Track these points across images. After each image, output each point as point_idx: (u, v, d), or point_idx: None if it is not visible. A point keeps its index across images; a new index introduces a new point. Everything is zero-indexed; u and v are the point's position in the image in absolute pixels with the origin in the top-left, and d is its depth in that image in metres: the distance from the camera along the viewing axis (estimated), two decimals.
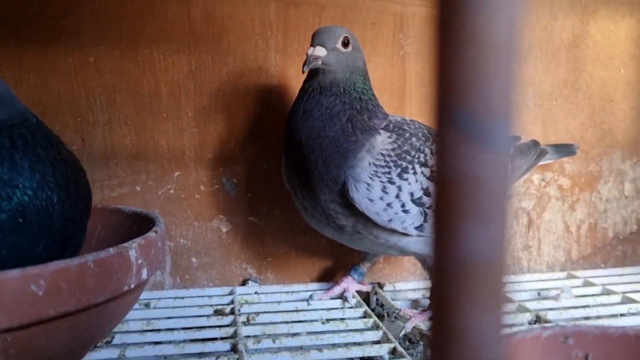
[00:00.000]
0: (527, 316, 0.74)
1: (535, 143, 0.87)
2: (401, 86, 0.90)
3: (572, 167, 0.97)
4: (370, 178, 0.67)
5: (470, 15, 0.16)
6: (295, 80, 0.85)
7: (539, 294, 0.85)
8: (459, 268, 0.14)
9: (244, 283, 0.86)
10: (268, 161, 0.85)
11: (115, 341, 0.65)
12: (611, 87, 0.98)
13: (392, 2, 0.88)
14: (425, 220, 0.69)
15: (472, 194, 0.15)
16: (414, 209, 0.69)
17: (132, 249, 0.52)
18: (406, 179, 0.68)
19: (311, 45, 0.68)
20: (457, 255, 0.14)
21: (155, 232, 0.58)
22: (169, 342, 0.67)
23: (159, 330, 0.69)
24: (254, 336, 0.67)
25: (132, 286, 0.52)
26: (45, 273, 0.44)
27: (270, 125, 0.85)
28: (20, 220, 0.49)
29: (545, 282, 0.90)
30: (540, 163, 0.87)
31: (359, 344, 0.66)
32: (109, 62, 0.80)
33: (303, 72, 0.67)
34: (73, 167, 0.56)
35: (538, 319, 0.73)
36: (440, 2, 0.16)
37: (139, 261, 0.53)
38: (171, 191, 0.83)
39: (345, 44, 0.69)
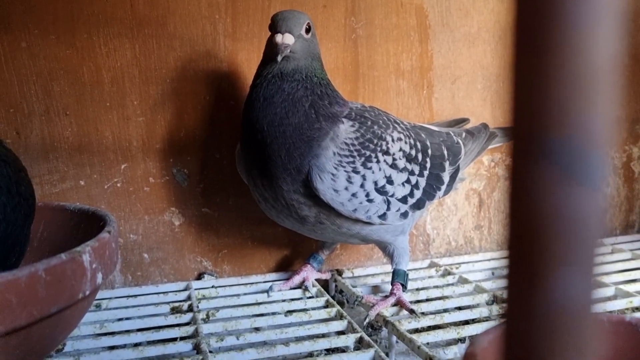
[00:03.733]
0: (485, 297, 0.75)
1: (485, 126, 0.88)
2: (354, 70, 0.88)
3: None
4: (335, 168, 0.65)
5: (568, 34, 0.14)
6: (246, 65, 0.82)
7: (493, 274, 0.87)
8: (555, 317, 0.13)
9: (199, 277, 0.83)
10: (220, 150, 0.82)
11: (67, 348, 0.61)
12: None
13: None
14: (388, 209, 0.69)
15: (568, 235, 0.13)
16: (378, 198, 0.68)
17: (86, 253, 0.48)
18: (370, 168, 0.67)
19: (277, 32, 0.65)
20: (551, 303, 0.13)
21: (109, 232, 0.54)
22: (126, 346, 0.63)
23: (113, 333, 0.65)
24: (216, 334, 0.65)
25: (87, 292, 0.49)
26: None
27: (221, 112, 0.82)
28: None
29: (498, 260, 0.92)
30: (490, 146, 0.89)
31: (324, 335, 0.65)
32: (43, 47, 0.74)
33: (277, 62, 0.64)
34: (13, 166, 0.52)
35: (495, 299, 0.74)
36: (523, 18, 0.14)
37: (93, 265, 0.49)
38: (118, 184, 0.79)
39: (307, 30, 0.67)
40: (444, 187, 0.76)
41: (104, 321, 0.67)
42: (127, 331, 0.66)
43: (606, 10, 0.14)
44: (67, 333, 0.54)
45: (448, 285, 0.81)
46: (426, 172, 0.73)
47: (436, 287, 0.80)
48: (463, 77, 0.94)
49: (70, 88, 0.76)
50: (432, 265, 0.90)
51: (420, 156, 0.73)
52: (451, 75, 0.94)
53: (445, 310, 0.73)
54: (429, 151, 0.74)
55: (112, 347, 0.62)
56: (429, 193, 0.74)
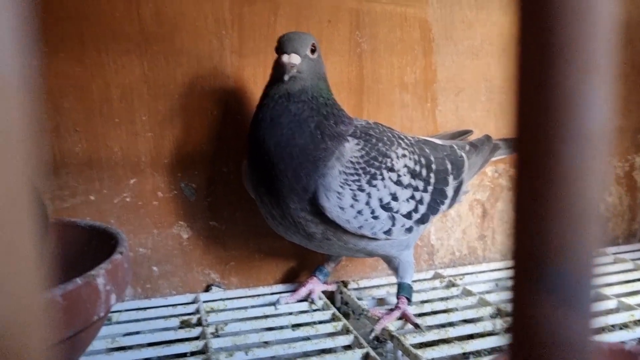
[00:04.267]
0: (489, 310, 0.76)
1: (488, 138, 0.89)
2: (358, 84, 0.89)
3: None
4: (341, 187, 0.66)
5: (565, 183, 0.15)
6: (252, 81, 0.83)
7: (497, 285, 0.88)
8: None
9: (207, 289, 0.84)
10: (227, 164, 0.83)
11: None
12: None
13: None
14: (393, 225, 0.70)
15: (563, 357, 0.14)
16: (383, 215, 0.69)
17: (100, 276, 0.50)
18: (375, 186, 0.69)
19: (284, 52, 0.66)
20: None
21: (121, 253, 0.55)
22: None
23: (125, 348, 0.67)
24: (226, 349, 0.66)
25: (102, 314, 0.50)
26: None
27: (227, 127, 0.83)
28: None
29: (502, 271, 0.93)
30: (494, 158, 0.90)
31: (331, 350, 0.67)
32: (53, 65, 0.75)
33: (285, 81, 0.65)
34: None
35: (499, 312, 0.76)
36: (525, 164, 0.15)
37: (107, 287, 0.51)
38: (127, 199, 0.80)
39: (313, 50, 0.68)
40: (447, 201, 0.77)
41: (116, 335, 0.69)
42: (139, 345, 0.67)
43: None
44: (81, 353, 0.55)
45: (452, 297, 0.83)
46: (430, 188, 0.74)
47: (440, 299, 0.81)
48: (466, 89, 0.95)
49: (80, 104, 0.77)
50: (436, 276, 0.91)
51: (424, 172, 0.74)
52: (455, 87, 0.95)
53: (450, 324, 0.74)
54: (433, 166, 0.76)
55: None
56: (433, 207, 0.75)
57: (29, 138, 0.14)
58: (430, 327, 0.72)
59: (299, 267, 0.89)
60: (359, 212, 0.68)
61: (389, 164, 0.70)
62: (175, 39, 0.80)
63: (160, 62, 0.79)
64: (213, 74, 0.82)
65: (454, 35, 0.94)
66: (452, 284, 0.87)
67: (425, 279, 0.91)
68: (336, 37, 0.87)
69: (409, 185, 0.72)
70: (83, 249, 0.66)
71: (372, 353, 0.64)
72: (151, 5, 0.78)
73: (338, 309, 0.80)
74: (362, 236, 0.70)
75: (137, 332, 0.71)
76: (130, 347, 0.67)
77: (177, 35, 0.80)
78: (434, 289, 0.87)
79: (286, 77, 0.65)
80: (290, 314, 0.76)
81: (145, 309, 0.77)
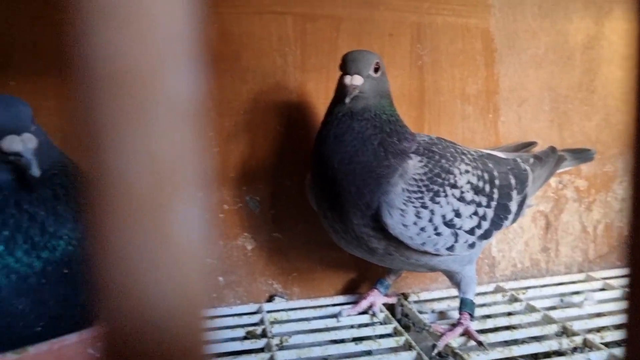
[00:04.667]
0: (554, 328, 0.75)
1: (553, 150, 0.87)
2: (419, 96, 0.89)
3: (589, 168, 0.98)
4: (404, 204, 0.67)
5: None
6: (315, 95, 0.85)
7: (561, 301, 0.87)
8: None
9: (270, 299, 0.87)
10: (290, 178, 0.85)
11: None
12: (627, 86, 0.97)
13: (409, 12, 0.87)
14: (456, 241, 0.70)
15: None
16: (446, 231, 0.69)
17: None
18: (438, 202, 0.69)
19: (346, 73, 0.67)
20: None
21: None
22: None
23: None
24: None
25: None
26: (102, 335, 0.44)
27: (291, 141, 0.85)
28: (66, 270, 0.50)
29: (566, 285, 0.91)
30: (559, 170, 0.88)
31: None
32: None
33: (346, 104, 0.66)
34: None
35: (565, 331, 0.74)
36: None
37: None
38: None
39: (376, 69, 0.69)
40: (511, 216, 0.77)
41: None
42: None
43: None
44: None
45: (515, 313, 0.82)
46: (494, 203, 0.74)
47: (503, 314, 0.81)
48: (530, 99, 0.94)
49: None
50: (497, 289, 0.90)
51: (487, 187, 0.73)
52: (518, 98, 0.93)
53: (515, 342, 0.73)
54: (497, 181, 0.75)
55: None
56: (497, 223, 0.74)
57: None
58: (493, 345, 0.71)
59: (360, 278, 0.90)
60: (422, 229, 0.68)
61: (452, 181, 0.70)
62: (241, 57, 0.82)
63: (226, 80, 0.82)
64: (277, 90, 0.84)
65: (516, 44, 0.92)
66: (514, 299, 0.86)
67: (486, 292, 0.90)
68: (397, 50, 0.88)
69: (472, 202, 0.71)
70: None
71: None
72: (218, 26, 0.81)
73: (398, 321, 0.81)
74: (425, 252, 0.70)
75: None
76: None
77: (243, 54, 0.82)
78: (495, 303, 0.86)
79: (347, 100, 0.66)
80: (352, 327, 0.78)
81: (211, 317, 0.80)
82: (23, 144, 0.46)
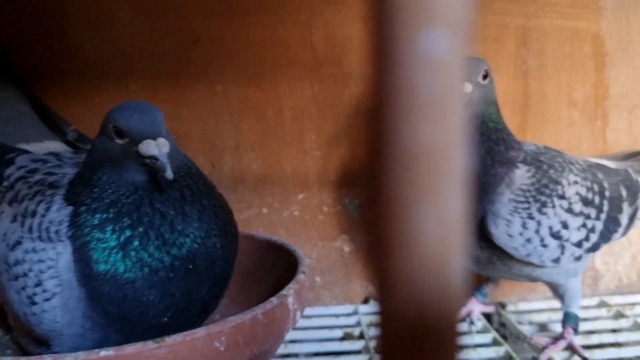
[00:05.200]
0: None
1: None
2: (523, 102, 0.87)
3: None
4: (510, 214, 0.66)
5: None
6: None
7: None
8: None
9: (365, 301, 0.88)
10: None
11: None
12: None
13: (514, 16, 0.85)
14: (562, 253, 0.68)
15: None
16: (553, 243, 0.68)
17: (290, 296, 0.54)
18: (545, 214, 0.67)
19: None
20: None
21: (304, 272, 0.60)
22: None
23: (297, 355, 0.72)
24: None
25: (290, 330, 0.55)
26: (226, 330, 0.47)
27: None
28: (191, 266, 0.53)
29: None
30: None
31: None
32: (235, 89, 0.83)
33: None
34: (226, 210, 0.59)
35: None
36: None
37: (295, 306, 0.55)
38: (295, 213, 0.86)
39: (485, 76, 0.68)
40: (621, 229, 0.74)
41: (286, 342, 0.74)
42: (310, 355, 0.72)
43: None
44: (270, 358, 0.61)
45: (621, 330, 0.78)
46: (603, 215, 0.71)
47: (608, 331, 0.78)
48: None
49: (257, 125, 0.84)
50: (601, 304, 0.87)
51: (597, 199, 0.71)
52: (629, 104, 0.89)
53: None
54: (607, 193, 0.72)
55: None
56: (606, 236, 0.72)
57: None
58: None
59: None
60: (528, 240, 0.67)
61: (560, 192, 0.68)
62: (344, 62, 0.84)
63: (328, 85, 0.84)
64: None
65: (629, 48, 0.88)
66: (620, 315, 0.82)
67: (589, 306, 0.87)
68: (501, 55, 0.86)
69: (580, 213, 0.69)
70: (260, 260, 0.72)
71: None
72: (322, 32, 0.83)
73: (496, 331, 0.80)
74: (528, 263, 0.69)
75: (302, 341, 0.75)
76: (303, 356, 0.72)
77: (345, 58, 0.84)
78: (599, 318, 0.83)
79: None
80: None
81: (309, 317, 0.82)
82: (158, 148, 0.49)
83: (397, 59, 0.17)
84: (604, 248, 0.91)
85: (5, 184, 0.59)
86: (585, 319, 0.81)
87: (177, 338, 0.45)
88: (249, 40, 0.82)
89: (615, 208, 0.73)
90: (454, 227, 0.18)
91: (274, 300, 0.52)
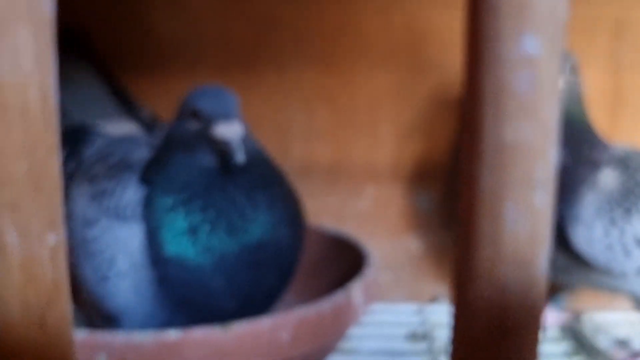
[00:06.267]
0: None
1: None
2: (614, 98, 0.82)
3: None
4: (591, 219, 0.62)
5: None
6: None
7: None
8: None
9: (432, 300, 0.85)
10: None
11: None
12: None
13: (609, 7, 0.80)
14: None
15: None
16: (637, 252, 0.63)
17: (356, 291, 0.53)
18: (629, 220, 0.63)
19: None
20: None
21: (371, 268, 0.59)
22: None
23: (358, 351, 0.71)
24: None
25: (353, 324, 0.54)
26: (292, 321, 0.47)
27: None
28: (258, 255, 0.53)
29: None
30: None
31: None
32: (308, 76, 0.82)
33: None
34: (296, 201, 0.59)
35: None
36: None
37: (360, 302, 0.54)
38: (365, 205, 0.84)
39: (572, 72, 0.64)
40: None
41: (349, 337, 0.73)
42: (367, 353, 0.71)
43: None
44: (331, 353, 0.60)
45: None
46: None
47: None
48: None
49: (329, 114, 0.83)
50: None
51: None
52: None
53: None
54: None
55: None
56: None
57: None
58: None
59: None
60: (609, 246, 0.63)
61: None
62: (421, 52, 0.81)
63: (406, 74, 0.81)
64: (456, 86, 0.81)
65: None
66: None
67: None
68: (592, 48, 0.81)
69: None
70: (327, 253, 0.71)
71: None
72: (400, 18, 0.80)
73: (570, 341, 0.75)
74: (609, 271, 0.65)
75: (364, 337, 0.74)
76: (365, 354, 0.71)
77: (425, 47, 0.81)
78: None
79: None
80: None
81: (373, 312, 0.80)
82: (232, 132, 0.49)
83: (494, 58, 0.17)
84: None
85: (85, 164, 0.60)
86: None
87: (243, 325, 0.44)
88: (324, 26, 0.81)
89: None
90: (543, 223, 0.19)
91: (340, 294, 0.51)
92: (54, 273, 0.16)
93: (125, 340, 0.44)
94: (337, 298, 0.50)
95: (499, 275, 0.17)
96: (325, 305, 0.49)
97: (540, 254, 0.17)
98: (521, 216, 0.17)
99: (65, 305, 0.15)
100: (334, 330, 0.50)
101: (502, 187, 0.17)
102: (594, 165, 0.65)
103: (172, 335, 0.43)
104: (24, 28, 0.12)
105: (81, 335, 0.44)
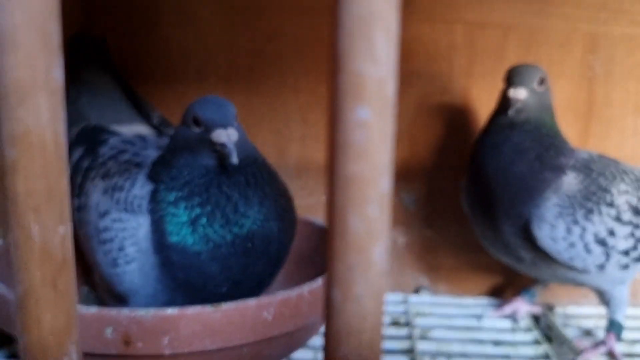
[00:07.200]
0: None
1: None
2: (587, 108, 0.88)
3: None
4: (554, 218, 0.68)
5: None
6: (478, 101, 0.87)
7: None
8: None
9: (416, 291, 0.92)
10: (447, 180, 0.89)
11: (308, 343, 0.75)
12: None
13: (584, 22, 0.86)
14: (607, 260, 0.70)
15: None
16: (597, 250, 0.69)
17: None
18: (590, 220, 0.69)
19: (511, 86, 0.69)
20: None
21: None
22: None
23: None
24: (430, 353, 0.73)
25: None
26: (274, 302, 0.54)
27: (450, 144, 0.89)
28: (249, 245, 0.60)
29: None
30: None
31: None
32: (304, 83, 0.89)
33: (508, 115, 0.69)
34: (286, 198, 0.66)
35: None
36: None
37: None
38: None
39: (541, 83, 0.70)
40: None
41: None
42: None
43: None
44: (315, 334, 0.67)
45: None
46: None
47: None
48: None
49: (323, 118, 0.90)
50: None
51: None
52: None
53: None
54: None
55: None
56: None
57: None
58: None
59: (505, 284, 0.92)
60: (571, 244, 0.69)
61: (608, 200, 0.70)
62: (409, 62, 0.87)
63: None
64: (441, 94, 0.88)
65: None
66: None
67: (638, 316, 0.87)
68: (567, 61, 0.87)
69: (629, 223, 0.70)
70: (316, 244, 0.78)
71: None
72: None
73: (541, 331, 0.82)
74: (572, 267, 0.71)
75: None
76: None
77: (411, 59, 0.87)
78: None
79: (511, 112, 0.68)
80: (493, 329, 0.80)
81: None
82: (228, 136, 0.56)
83: (341, 121, 0.25)
84: None
85: (99, 161, 0.68)
86: (633, 329, 0.81)
87: (231, 305, 0.52)
88: (319, 37, 0.87)
89: None
90: (376, 225, 0.24)
91: (319, 280, 0.58)
92: (63, 253, 0.23)
93: (129, 316, 0.51)
94: (315, 283, 0.57)
95: (348, 257, 0.23)
96: (305, 289, 0.56)
97: (375, 244, 0.23)
98: (360, 221, 0.23)
99: (71, 273, 0.22)
100: (313, 312, 0.57)
101: (347, 203, 0.24)
102: (560, 170, 0.70)
103: (170, 312, 0.51)
104: (42, 94, 0.19)
105: (91, 311, 0.51)
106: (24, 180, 0.19)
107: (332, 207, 0.22)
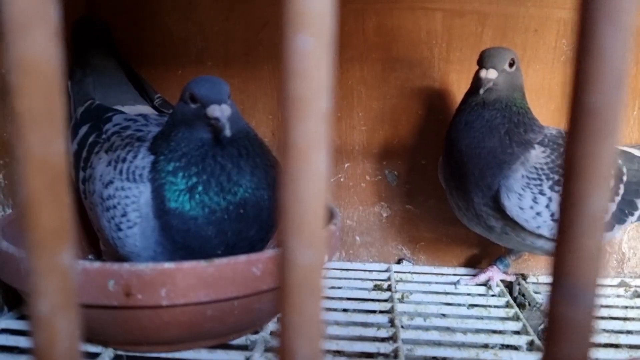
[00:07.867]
0: None
1: None
2: (560, 90, 0.94)
3: None
4: (522, 189, 0.74)
5: None
6: (456, 85, 0.93)
7: None
8: None
9: (399, 262, 0.99)
10: (426, 157, 0.96)
11: None
12: None
13: (557, 8, 0.91)
14: None
15: None
16: None
17: None
18: (557, 191, 0.75)
19: (483, 67, 0.75)
20: None
21: (335, 224, 0.72)
22: (337, 309, 0.81)
23: (331, 298, 0.84)
24: (408, 313, 0.79)
25: None
26: (263, 259, 0.60)
27: (430, 125, 0.95)
28: (242, 211, 0.66)
29: None
30: None
31: (500, 332, 0.76)
32: None
33: (480, 95, 0.75)
34: (277, 170, 0.72)
35: None
36: None
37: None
38: (342, 179, 0.97)
39: (511, 64, 0.76)
40: (637, 213, 0.80)
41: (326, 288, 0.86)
42: (340, 298, 0.84)
43: None
44: None
45: (634, 307, 0.84)
46: (617, 198, 0.78)
47: (622, 307, 0.84)
48: None
49: None
50: (622, 284, 0.93)
51: (611, 182, 0.77)
52: None
53: (629, 332, 0.76)
54: (624, 177, 0.78)
55: (328, 309, 0.81)
56: (620, 218, 0.78)
57: None
58: (603, 331, 0.76)
59: (481, 254, 0.98)
60: (538, 213, 0.75)
61: None
62: (392, 48, 0.93)
63: (377, 68, 0.94)
64: (421, 79, 0.94)
65: None
66: (637, 295, 0.88)
67: (610, 285, 0.93)
68: (541, 45, 0.93)
69: None
70: None
71: (537, 341, 0.72)
72: (374, 20, 0.93)
73: (514, 299, 0.88)
74: (540, 235, 0.77)
75: (340, 287, 0.88)
76: (334, 298, 0.84)
77: (394, 45, 0.93)
78: (617, 296, 0.89)
79: (481, 91, 0.74)
80: (468, 294, 0.87)
81: (347, 270, 0.94)
82: (221, 111, 0.62)
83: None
84: (632, 232, 0.97)
85: (103, 136, 0.74)
86: (604, 297, 0.87)
87: (223, 260, 0.57)
88: None
89: (632, 192, 0.79)
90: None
91: None
92: (59, 163, 0.22)
93: (130, 269, 0.56)
94: None
95: (293, 165, 0.26)
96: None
97: (315, 153, 0.22)
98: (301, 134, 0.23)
99: (65, 181, 0.21)
100: None
101: (291, 119, 0.24)
102: (528, 144, 0.76)
103: (167, 265, 0.56)
104: (39, 25, 0.22)
105: (95, 266, 0.56)
106: (27, 100, 0.21)
107: (282, 124, 0.24)
